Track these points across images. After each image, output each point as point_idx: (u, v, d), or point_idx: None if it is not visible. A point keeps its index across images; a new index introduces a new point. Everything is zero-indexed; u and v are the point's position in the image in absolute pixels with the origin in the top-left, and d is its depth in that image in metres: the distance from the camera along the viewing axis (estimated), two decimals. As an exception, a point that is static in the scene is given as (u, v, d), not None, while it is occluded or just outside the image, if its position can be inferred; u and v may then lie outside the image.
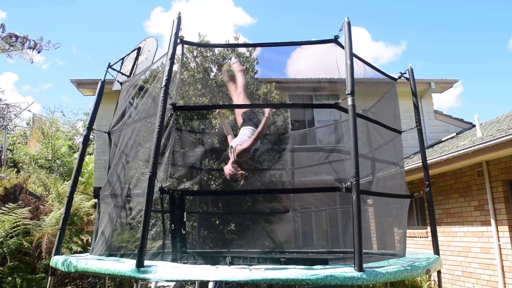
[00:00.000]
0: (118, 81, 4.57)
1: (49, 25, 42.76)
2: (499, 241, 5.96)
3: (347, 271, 2.57)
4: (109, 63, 4.55)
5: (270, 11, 47.34)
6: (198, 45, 7.54)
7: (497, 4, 36.98)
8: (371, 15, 43.44)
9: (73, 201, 6.31)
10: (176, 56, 3.29)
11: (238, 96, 4.36)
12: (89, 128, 4.18)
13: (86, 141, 4.20)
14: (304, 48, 3.65)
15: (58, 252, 3.71)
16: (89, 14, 43.67)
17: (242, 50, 8.15)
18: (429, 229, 7.38)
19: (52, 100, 48.29)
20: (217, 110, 4.56)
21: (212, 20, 44.07)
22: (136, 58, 4.52)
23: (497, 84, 44.83)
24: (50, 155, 12.14)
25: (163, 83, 2.99)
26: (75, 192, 6.71)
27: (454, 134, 9.84)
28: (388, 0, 41.70)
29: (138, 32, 47.25)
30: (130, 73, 4.54)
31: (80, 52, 45.87)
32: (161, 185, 3.12)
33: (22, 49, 8.40)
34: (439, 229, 6.34)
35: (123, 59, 4.78)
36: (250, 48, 8.01)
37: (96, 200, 4.38)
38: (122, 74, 4.62)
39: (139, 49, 4.55)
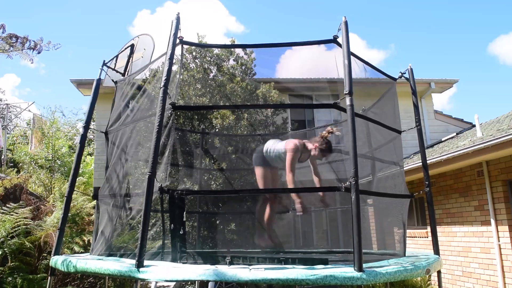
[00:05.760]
0: (112, 80, 4.51)
1: (45, 27, 42.74)
2: (499, 241, 5.95)
3: (347, 271, 2.56)
4: (104, 60, 4.49)
5: (263, 23, 47.49)
6: (198, 45, 7.55)
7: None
8: (359, 20, 43.43)
9: (76, 201, 6.34)
10: (176, 57, 3.29)
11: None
12: (86, 127, 4.12)
13: (83, 141, 4.16)
14: (304, 49, 3.65)
15: (57, 252, 3.71)
16: (77, 16, 43.68)
17: (240, 52, 8.17)
18: (429, 229, 7.37)
19: (52, 101, 48.34)
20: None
21: (205, 24, 44.23)
22: (130, 56, 4.46)
23: (495, 84, 44.86)
24: (51, 155, 12.13)
25: (162, 83, 2.99)
26: (77, 193, 6.75)
27: (454, 134, 9.84)
28: (373, 5, 41.72)
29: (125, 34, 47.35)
30: (124, 70, 4.48)
31: (77, 55, 45.88)
32: (161, 185, 3.12)
33: (22, 50, 8.41)
34: (439, 229, 6.34)
35: (117, 56, 4.73)
36: (248, 51, 8.04)
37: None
38: (117, 72, 4.57)
39: (132, 46, 4.48)
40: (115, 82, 4.48)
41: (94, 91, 4.27)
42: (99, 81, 4.31)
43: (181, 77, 6.87)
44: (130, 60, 4.45)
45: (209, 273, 2.57)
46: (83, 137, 4.14)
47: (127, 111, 4.16)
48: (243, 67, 8.07)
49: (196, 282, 3.97)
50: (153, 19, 47.22)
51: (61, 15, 43.87)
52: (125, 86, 4.31)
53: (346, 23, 3.17)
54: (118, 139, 4.09)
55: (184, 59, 7.84)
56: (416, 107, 4.28)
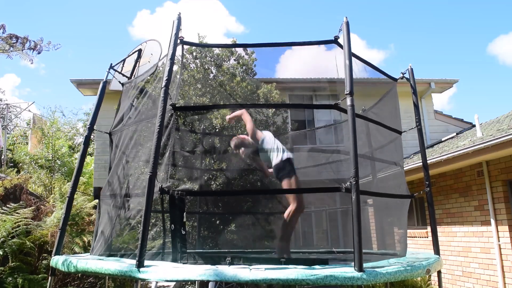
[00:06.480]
0: (120, 82, 4.56)
1: (44, 27, 42.76)
2: (499, 241, 5.96)
3: (347, 271, 2.57)
4: (111, 63, 4.55)
5: (263, 23, 47.53)
6: (199, 45, 7.54)
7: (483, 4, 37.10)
8: (359, 20, 43.47)
9: (76, 201, 6.33)
10: (176, 57, 3.29)
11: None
12: (90, 129, 4.16)
13: (87, 141, 4.19)
14: (303, 49, 3.66)
15: (58, 252, 3.71)
16: (77, 16, 43.68)
17: (241, 52, 8.18)
18: (429, 229, 7.38)
19: (52, 101, 48.32)
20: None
21: (205, 24, 44.24)
22: (137, 60, 4.50)
23: (495, 84, 44.90)
24: (51, 155, 12.13)
25: (163, 83, 2.99)
26: (77, 193, 6.75)
27: (454, 134, 9.84)
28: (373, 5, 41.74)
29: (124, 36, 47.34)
30: (131, 75, 4.53)
31: (77, 55, 45.88)
32: (161, 185, 3.12)
33: (22, 50, 8.41)
34: (439, 229, 6.34)
35: (124, 60, 4.77)
36: (249, 51, 8.04)
37: (97, 200, 4.38)
38: (123, 75, 4.61)
39: (139, 51, 4.53)
40: (122, 84, 4.53)
41: (100, 93, 4.31)
42: (105, 83, 4.35)
43: (181, 77, 6.87)
44: (137, 64, 4.49)
45: (209, 273, 2.57)
46: (87, 138, 4.18)
47: (130, 113, 4.19)
48: (244, 67, 8.08)
49: (196, 282, 3.98)
50: (153, 19, 47.22)
51: (61, 15, 43.88)
52: (131, 89, 4.35)
53: (347, 23, 3.17)
54: (121, 140, 4.11)
55: (184, 60, 7.84)
56: (416, 107, 4.29)
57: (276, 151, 4.03)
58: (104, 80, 4.37)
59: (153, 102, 4.07)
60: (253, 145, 4.20)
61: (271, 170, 4.27)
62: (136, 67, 4.49)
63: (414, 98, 4.30)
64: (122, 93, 4.52)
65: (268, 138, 4.15)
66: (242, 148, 4.31)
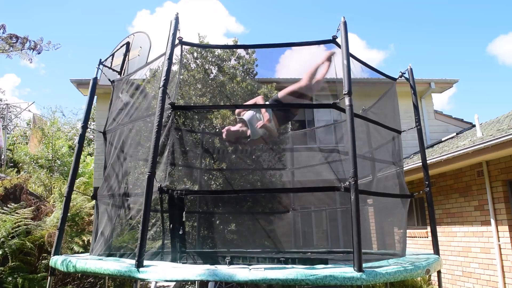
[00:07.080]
0: (109, 79, 4.47)
1: (44, 26, 42.75)
2: (499, 241, 5.95)
3: (347, 271, 2.57)
4: (100, 59, 4.46)
5: (263, 23, 47.54)
6: (197, 45, 7.52)
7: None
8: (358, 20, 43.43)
9: (75, 201, 6.33)
10: (176, 57, 3.29)
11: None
12: (84, 127, 4.10)
13: (82, 140, 4.13)
14: (303, 49, 3.66)
15: (57, 252, 3.71)
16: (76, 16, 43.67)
17: (242, 52, 8.17)
18: (429, 229, 7.37)
19: (52, 101, 48.32)
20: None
21: (205, 24, 44.27)
22: (126, 54, 4.43)
23: (495, 84, 44.86)
24: (51, 155, 12.13)
25: (161, 83, 3.00)
26: (77, 193, 6.74)
27: (454, 134, 9.83)
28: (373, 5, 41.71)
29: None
30: (121, 69, 4.46)
31: (77, 55, 45.88)
32: (160, 185, 3.12)
33: (22, 50, 8.41)
34: (439, 229, 6.34)
35: (113, 54, 4.69)
36: (250, 51, 8.03)
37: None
38: (114, 70, 4.55)
39: (128, 44, 4.45)
40: (112, 82, 4.45)
41: (91, 90, 4.26)
42: (95, 80, 4.29)
43: (181, 77, 6.86)
44: (127, 58, 4.42)
45: (209, 273, 2.57)
46: (82, 137, 4.12)
47: (126, 111, 4.14)
48: (245, 67, 8.07)
49: (196, 282, 3.98)
50: (152, 19, 47.27)
51: (61, 15, 43.90)
52: (123, 85, 4.29)
53: (345, 23, 3.17)
54: (116, 139, 4.07)
55: (185, 60, 7.83)
56: (416, 107, 4.28)
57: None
58: (94, 76, 4.32)
59: (151, 101, 4.05)
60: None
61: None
62: (126, 61, 4.42)
63: (414, 98, 4.30)
64: (112, 90, 4.44)
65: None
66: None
